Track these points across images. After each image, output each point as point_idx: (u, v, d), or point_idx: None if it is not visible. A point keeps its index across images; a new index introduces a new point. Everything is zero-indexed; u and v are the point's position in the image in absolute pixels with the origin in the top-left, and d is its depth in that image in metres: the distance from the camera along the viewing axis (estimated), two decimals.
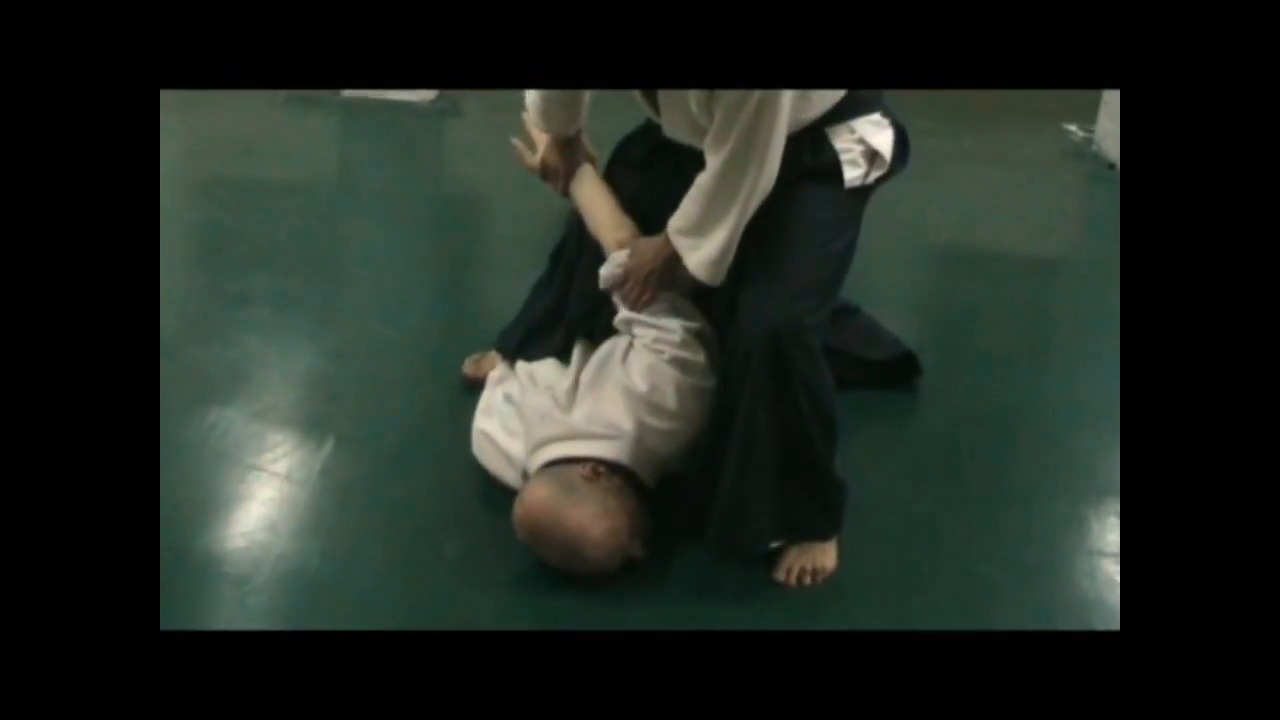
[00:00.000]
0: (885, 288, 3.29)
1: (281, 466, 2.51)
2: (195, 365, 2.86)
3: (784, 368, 2.11)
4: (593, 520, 2.17)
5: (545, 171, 2.57)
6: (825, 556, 2.29)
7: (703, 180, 2.15)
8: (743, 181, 2.09)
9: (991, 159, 4.35)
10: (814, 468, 2.21)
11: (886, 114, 2.29)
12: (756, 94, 1.98)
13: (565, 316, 2.62)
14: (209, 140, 4.30)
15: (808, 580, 2.27)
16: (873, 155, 2.26)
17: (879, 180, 2.31)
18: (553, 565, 2.21)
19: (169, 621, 2.06)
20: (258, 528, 2.35)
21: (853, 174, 2.25)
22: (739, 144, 2.05)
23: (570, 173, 2.55)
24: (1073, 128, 4.60)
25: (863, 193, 2.30)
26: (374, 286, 3.32)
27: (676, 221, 2.23)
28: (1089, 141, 4.49)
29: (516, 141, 2.60)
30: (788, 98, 2.03)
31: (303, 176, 4.06)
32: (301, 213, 3.75)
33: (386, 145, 4.34)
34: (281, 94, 4.53)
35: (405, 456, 2.58)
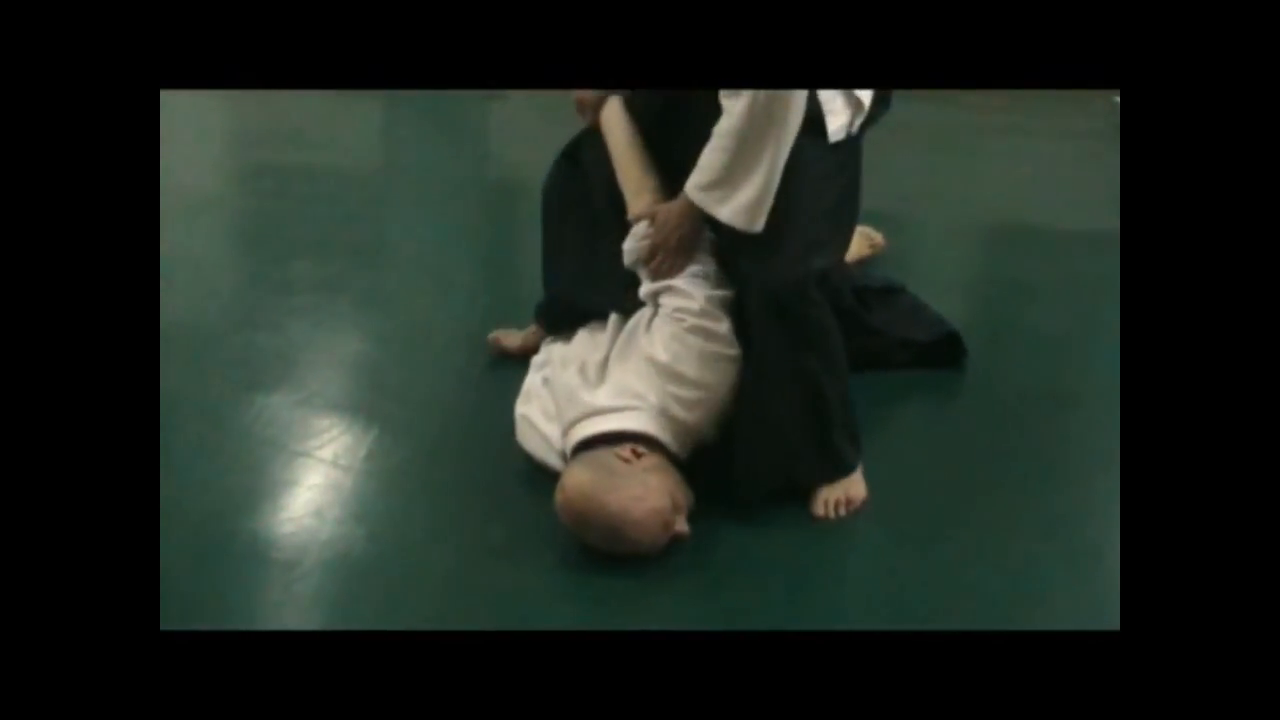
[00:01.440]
0: (933, 265, 3.27)
1: (327, 452, 2.52)
2: (241, 352, 2.88)
3: (790, 331, 2.18)
4: (633, 502, 2.16)
5: (577, 102, 2.56)
6: (854, 487, 2.37)
7: (725, 126, 2.13)
8: (772, 123, 2.09)
9: (1041, 133, 4.30)
10: (827, 417, 2.30)
11: None
12: None
13: (595, 287, 2.59)
14: (255, 129, 4.33)
15: (842, 511, 2.35)
16: (856, 101, 2.25)
17: (863, 127, 2.30)
18: (598, 548, 2.21)
19: (217, 607, 2.11)
20: (304, 513, 2.35)
21: (835, 124, 2.23)
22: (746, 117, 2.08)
23: (600, 102, 2.54)
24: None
25: (848, 144, 2.28)
26: (419, 272, 3.32)
27: (698, 178, 2.22)
28: None
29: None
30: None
31: (348, 163, 4.07)
32: (347, 199, 3.76)
33: (432, 131, 4.35)
34: None
35: (450, 441, 2.58)
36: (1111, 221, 3.76)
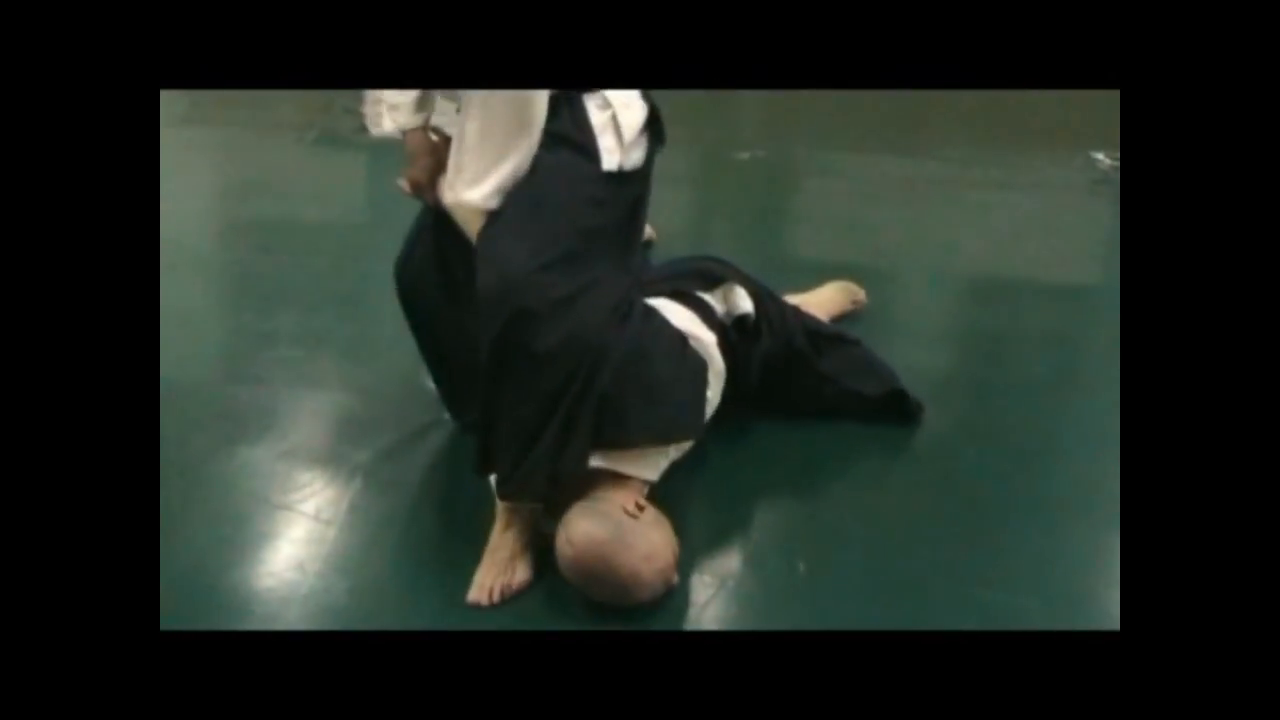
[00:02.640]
0: (911, 315, 3.29)
1: (310, 505, 2.51)
2: (224, 405, 2.88)
3: (514, 327, 2.15)
4: (644, 563, 2.16)
5: (415, 186, 2.47)
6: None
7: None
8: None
9: (1020, 187, 4.33)
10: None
11: (645, 92, 2.28)
12: None
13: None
14: (239, 182, 4.34)
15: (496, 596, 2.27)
16: (621, 136, 2.23)
17: (643, 167, 2.29)
18: (594, 598, 2.21)
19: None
20: (286, 567, 2.35)
21: (610, 159, 2.22)
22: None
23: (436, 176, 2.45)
24: (1101, 155, 4.58)
25: (624, 178, 2.26)
26: (402, 326, 3.32)
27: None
28: (1117, 169, 4.46)
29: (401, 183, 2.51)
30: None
31: (331, 216, 4.09)
32: (330, 252, 3.77)
33: None
34: (310, 134, 4.57)
35: (434, 494, 2.59)
36: (1090, 275, 3.82)
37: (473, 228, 2.26)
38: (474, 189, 2.19)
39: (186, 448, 2.69)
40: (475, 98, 2.12)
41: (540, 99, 2.12)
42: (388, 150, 4.52)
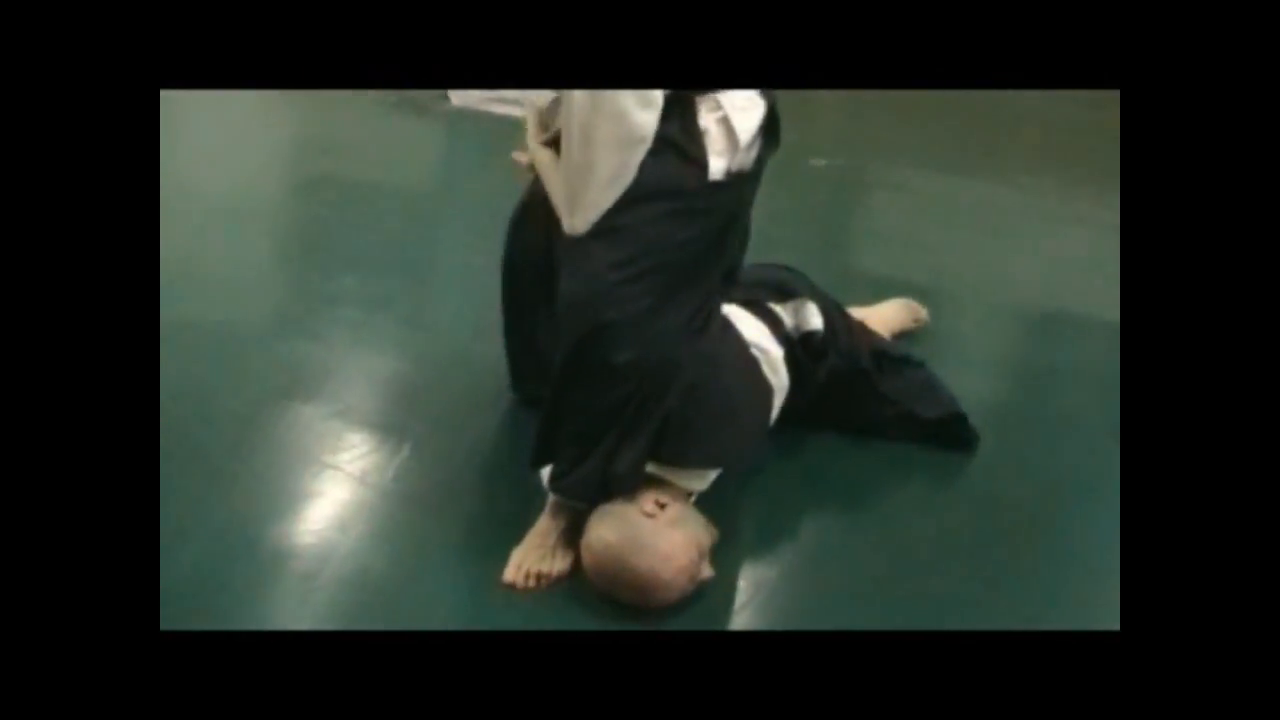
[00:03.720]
0: (967, 340, 3.27)
1: (357, 468, 2.55)
2: (281, 360, 2.92)
3: (594, 338, 2.13)
4: (662, 563, 2.17)
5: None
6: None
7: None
8: (589, 126, 2.06)
9: (1092, 224, 4.29)
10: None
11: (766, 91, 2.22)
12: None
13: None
14: (315, 139, 4.37)
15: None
16: (733, 140, 2.16)
17: (753, 172, 2.24)
18: (624, 604, 2.23)
19: (235, 611, 2.14)
20: (328, 526, 2.38)
21: (718, 166, 2.16)
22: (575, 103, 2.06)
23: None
24: None
25: (730, 183, 2.20)
26: (465, 297, 3.35)
27: None
28: None
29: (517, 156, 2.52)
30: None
31: (405, 181, 4.12)
32: (400, 217, 3.80)
33: (491, 157, 4.38)
34: (393, 96, 4.59)
35: (481, 470, 2.62)
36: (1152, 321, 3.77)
37: None
38: (582, 218, 2.14)
39: (239, 396, 2.74)
40: (576, 126, 2.08)
41: (642, 122, 2.06)
42: (467, 121, 4.57)
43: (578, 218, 2.12)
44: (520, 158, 2.46)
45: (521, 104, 2.52)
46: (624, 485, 2.26)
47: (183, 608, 2.01)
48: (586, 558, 2.23)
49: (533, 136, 2.42)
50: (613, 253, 2.10)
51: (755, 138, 2.20)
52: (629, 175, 2.08)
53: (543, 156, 2.37)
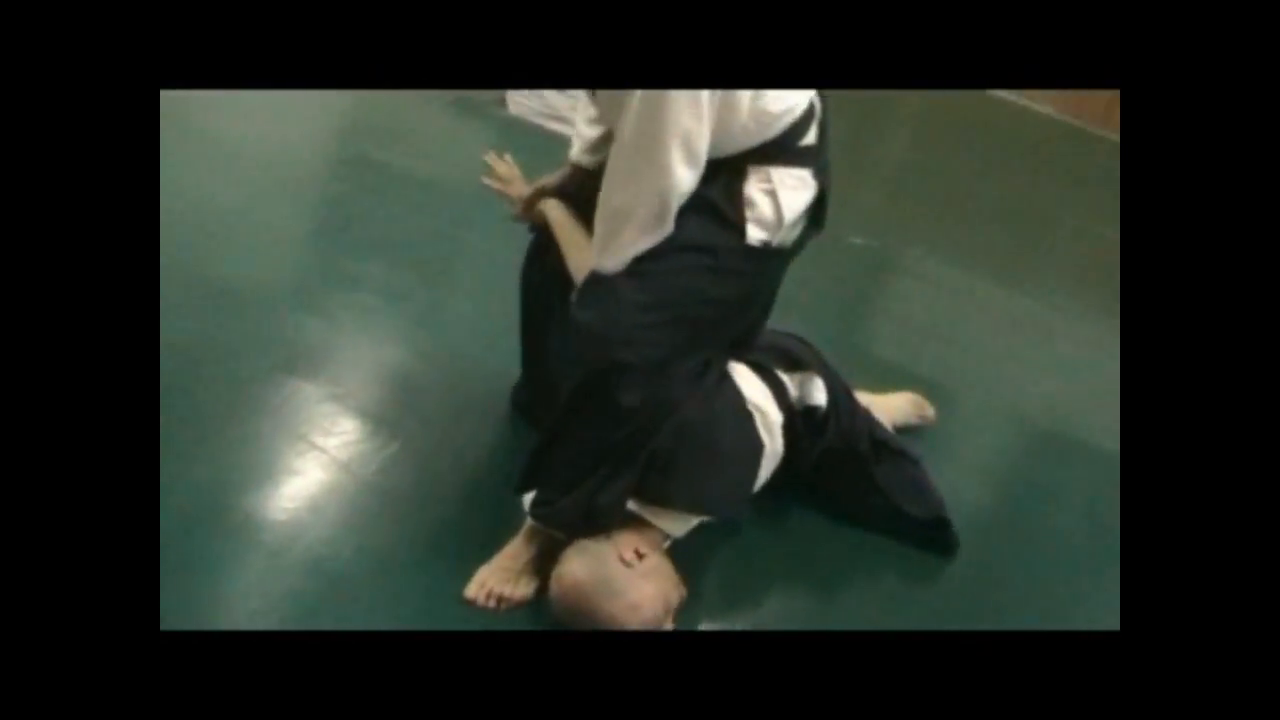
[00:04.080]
0: (961, 447, 3.26)
1: (343, 454, 2.56)
2: (288, 333, 2.93)
3: (606, 376, 2.13)
4: (628, 612, 2.18)
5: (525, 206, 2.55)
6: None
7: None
8: (639, 163, 2.05)
9: (1094, 345, 4.27)
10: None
11: (819, 172, 2.23)
12: (636, 93, 1.97)
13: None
14: (362, 122, 4.39)
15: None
16: (779, 215, 2.18)
17: (792, 249, 2.27)
18: None
19: (193, 575, 2.14)
20: (303, 506, 2.39)
21: (756, 234, 2.18)
22: (622, 148, 2.06)
23: (533, 202, 2.54)
24: None
25: (768, 254, 2.23)
26: (482, 304, 3.36)
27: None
28: None
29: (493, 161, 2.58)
30: (682, 101, 1.99)
31: (447, 178, 4.12)
32: (435, 212, 3.81)
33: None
34: (450, 95, 4.61)
35: (464, 479, 2.62)
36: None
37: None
38: (612, 259, 2.15)
39: (241, 361, 2.76)
40: (621, 170, 2.10)
41: (683, 177, 2.07)
42: (518, 129, 4.59)
43: (608, 258, 2.13)
44: (511, 195, 2.55)
45: (574, 124, 2.54)
46: (605, 517, 2.26)
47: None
48: (555, 588, 2.23)
49: (549, 186, 2.49)
50: (641, 294, 2.11)
51: (800, 218, 2.23)
52: (667, 226, 2.10)
53: (555, 214, 2.44)
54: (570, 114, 2.49)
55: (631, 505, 2.31)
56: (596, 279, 2.15)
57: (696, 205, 2.12)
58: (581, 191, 2.40)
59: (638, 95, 1.97)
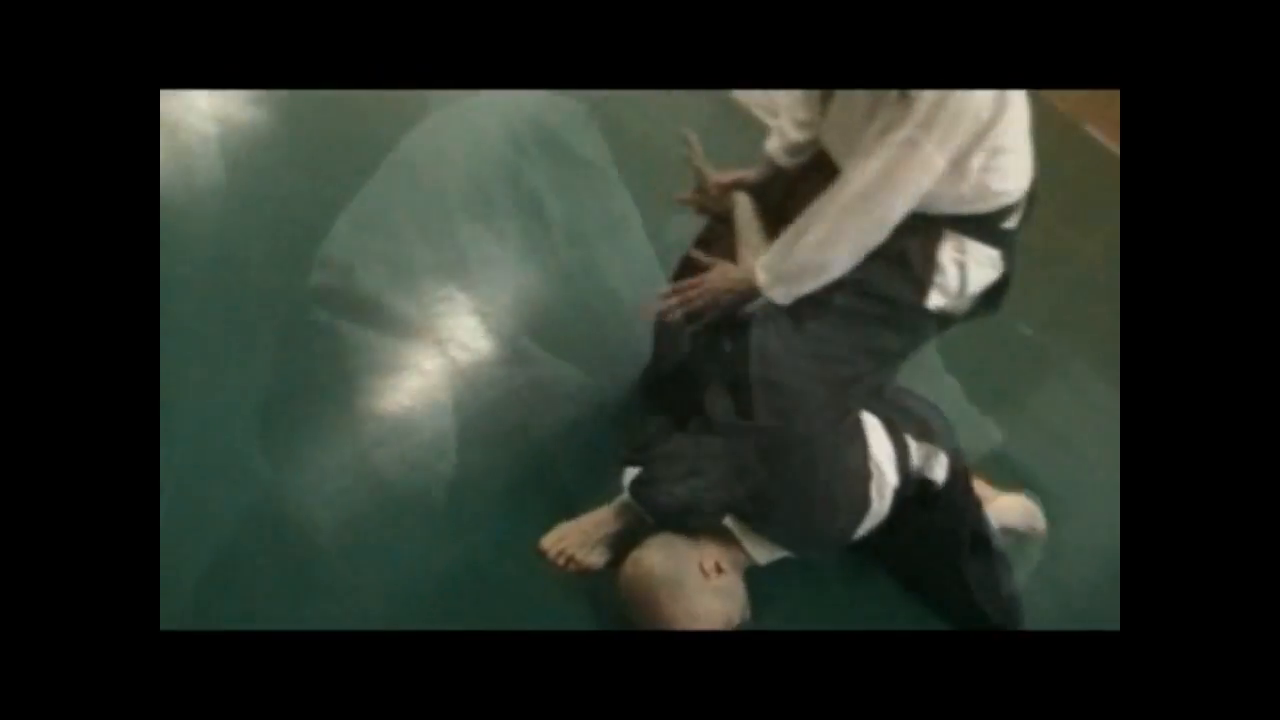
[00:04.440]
0: (1058, 566, 3.17)
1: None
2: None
3: (755, 389, 2.18)
4: (687, 619, 2.19)
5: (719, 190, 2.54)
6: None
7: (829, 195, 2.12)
8: (872, 202, 2.07)
9: None
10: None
11: (1008, 258, 2.23)
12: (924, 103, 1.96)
13: None
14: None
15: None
16: (962, 287, 2.20)
17: (960, 318, 2.27)
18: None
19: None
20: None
21: (937, 299, 2.20)
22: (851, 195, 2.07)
23: (728, 188, 2.53)
24: None
25: (935, 319, 2.25)
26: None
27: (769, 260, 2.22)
28: None
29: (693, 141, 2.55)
30: (921, 157, 2.01)
31: None
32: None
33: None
34: None
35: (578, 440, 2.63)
36: None
37: None
38: (786, 292, 2.19)
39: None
40: (842, 226, 2.12)
41: (890, 216, 2.10)
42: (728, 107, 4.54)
43: (781, 290, 2.17)
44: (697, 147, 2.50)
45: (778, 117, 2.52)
46: (700, 520, 2.27)
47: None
48: (628, 569, 2.23)
49: (748, 180, 2.49)
50: (810, 324, 2.16)
51: (980, 293, 2.23)
52: (847, 267, 2.13)
53: (743, 210, 2.44)
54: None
55: (728, 520, 2.31)
56: (769, 309, 2.20)
57: (888, 252, 2.13)
58: (770, 190, 2.42)
59: (890, 139, 2.00)
